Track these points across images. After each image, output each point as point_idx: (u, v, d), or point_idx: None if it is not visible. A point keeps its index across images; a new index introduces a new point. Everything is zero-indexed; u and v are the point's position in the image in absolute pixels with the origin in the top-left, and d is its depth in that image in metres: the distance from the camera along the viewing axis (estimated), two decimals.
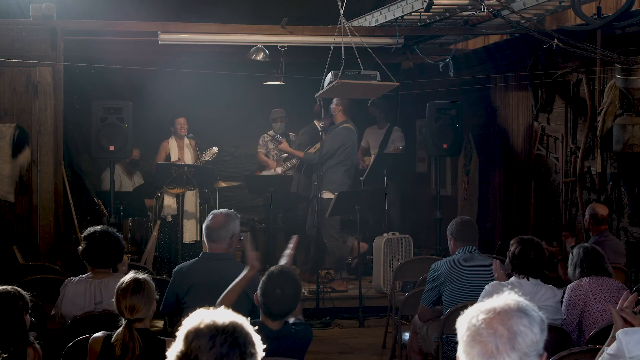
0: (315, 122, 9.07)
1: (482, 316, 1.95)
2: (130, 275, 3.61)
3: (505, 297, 2.00)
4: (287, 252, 4.08)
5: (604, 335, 3.67)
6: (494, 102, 9.17)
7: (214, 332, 1.90)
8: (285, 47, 8.13)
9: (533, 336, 1.93)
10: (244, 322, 1.97)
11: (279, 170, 9.32)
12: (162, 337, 3.60)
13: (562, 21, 7.57)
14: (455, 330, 2.03)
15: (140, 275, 3.61)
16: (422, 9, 6.65)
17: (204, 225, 4.53)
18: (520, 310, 1.96)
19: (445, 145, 8.05)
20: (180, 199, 8.29)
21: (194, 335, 1.91)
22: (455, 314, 3.36)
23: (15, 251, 7.08)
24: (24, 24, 7.41)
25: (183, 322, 1.96)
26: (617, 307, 3.53)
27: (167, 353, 1.96)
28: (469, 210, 9.43)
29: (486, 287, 4.50)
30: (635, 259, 6.76)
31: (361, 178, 8.89)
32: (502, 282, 4.60)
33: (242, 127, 10.66)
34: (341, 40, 6.70)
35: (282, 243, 9.24)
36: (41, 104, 7.31)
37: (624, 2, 5.96)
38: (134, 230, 8.67)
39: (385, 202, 8.68)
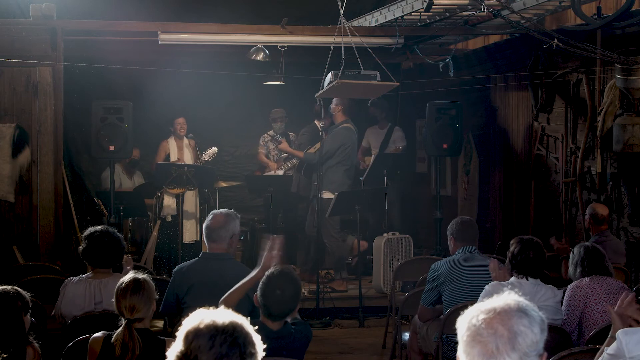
0: (316, 122, 9.07)
1: (482, 316, 1.95)
2: (130, 275, 3.61)
3: (506, 297, 2.00)
4: (273, 253, 4.03)
5: (604, 335, 3.66)
6: (494, 102, 9.17)
7: (214, 332, 1.90)
8: (285, 47, 8.13)
9: (533, 336, 1.93)
10: (244, 322, 1.96)
11: (280, 172, 9.32)
12: (162, 337, 3.60)
13: (562, 21, 7.57)
14: (455, 330, 2.03)
15: (140, 275, 3.61)
16: (422, 9, 6.65)
17: (204, 225, 4.53)
18: (520, 310, 1.96)
19: (445, 145, 8.05)
20: (180, 199, 8.29)
21: (194, 336, 1.91)
22: (455, 314, 3.36)
23: (15, 251, 7.08)
24: (24, 24, 7.41)
25: (183, 322, 1.96)
26: (615, 308, 3.53)
27: (167, 353, 1.96)
28: (469, 210, 9.43)
29: (486, 287, 4.50)
30: (635, 259, 6.76)
31: (361, 178, 8.89)
32: (502, 282, 4.60)
33: (242, 127, 10.66)
34: (341, 40, 6.70)
35: (283, 243, 9.26)
36: (41, 104, 7.31)
37: (624, 2, 5.96)
38: (134, 230, 8.67)
39: (386, 202, 8.68)
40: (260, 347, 1.96)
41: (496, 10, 6.49)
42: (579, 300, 4.52)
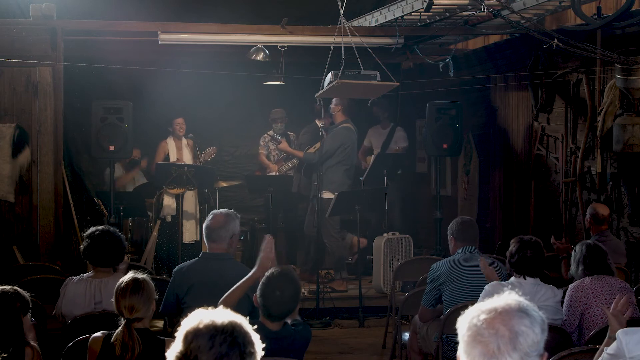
0: (317, 121, 9.07)
1: (483, 316, 1.95)
2: (130, 275, 3.61)
3: (506, 297, 2.00)
4: (270, 256, 4.04)
5: (604, 335, 3.67)
6: (494, 102, 9.17)
7: (213, 332, 1.90)
8: (285, 47, 8.13)
9: (534, 336, 1.93)
10: (243, 321, 1.97)
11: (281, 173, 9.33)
12: (161, 337, 3.60)
13: (562, 21, 7.56)
14: (455, 330, 2.03)
15: (140, 275, 3.61)
16: (422, 9, 6.65)
17: (204, 225, 4.52)
18: (521, 311, 1.95)
19: (445, 145, 8.05)
20: (179, 199, 8.29)
21: (193, 336, 1.91)
22: (456, 314, 3.36)
23: (15, 251, 7.08)
24: (24, 24, 7.41)
25: (182, 323, 1.96)
26: (611, 309, 3.54)
27: (166, 353, 1.96)
28: (469, 210, 9.43)
29: (486, 287, 4.50)
30: (635, 259, 6.75)
31: (361, 178, 8.89)
32: (502, 282, 4.61)
33: (242, 127, 10.66)
34: (341, 40, 6.70)
35: (283, 243, 9.27)
36: (41, 104, 7.31)
37: (624, 2, 5.96)
38: (133, 230, 8.67)
39: (386, 202, 8.68)
40: (259, 346, 1.96)
41: (496, 10, 6.49)
42: (580, 301, 4.51)
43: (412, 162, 10.74)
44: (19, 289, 3.58)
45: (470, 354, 1.94)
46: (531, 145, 8.33)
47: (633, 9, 6.05)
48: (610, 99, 6.80)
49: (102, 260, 4.50)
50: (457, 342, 2.01)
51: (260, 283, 3.63)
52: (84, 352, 3.58)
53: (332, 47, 6.72)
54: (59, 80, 7.38)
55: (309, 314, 7.65)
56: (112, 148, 7.40)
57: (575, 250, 4.76)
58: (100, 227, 4.59)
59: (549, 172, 8.08)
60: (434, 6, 6.60)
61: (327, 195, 8.25)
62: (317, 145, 8.65)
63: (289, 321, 3.70)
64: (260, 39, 8.08)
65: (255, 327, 2.01)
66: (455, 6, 6.98)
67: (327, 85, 6.66)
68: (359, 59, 6.66)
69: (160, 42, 7.78)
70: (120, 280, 3.61)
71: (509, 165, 8.83)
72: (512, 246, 4.60)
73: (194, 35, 7.93)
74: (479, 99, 9.36)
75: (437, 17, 7.43)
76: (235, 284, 3.93)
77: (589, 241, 4.84)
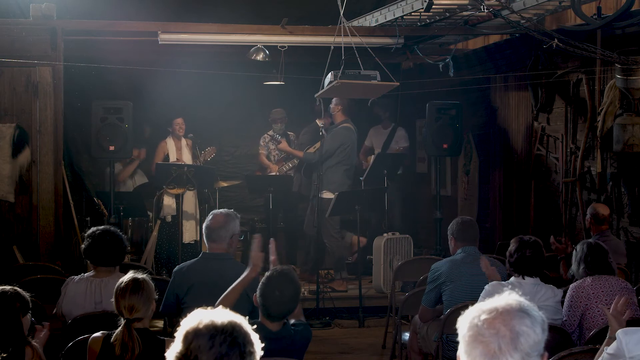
0: (318, 121, 9.08)
1: (484, 316, 1.94)
2: (129, 275, 3.61)
3: (507, 297, 2.00)
4: (272, 258, 4.07)
5: (604, 335, 3.67)
6: (494, 102, 9.17)
7: (213, 332, 1.90)
8: (285, 47, 8.13)
9: (535, 336, 1.93)
10: (242, 321, 1.97)
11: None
12: (161, 337, 3.60)
13: (562, 21, 7.56)
14: (455, 330, 2.02)
15: (139, 275, 3.61)
16: (422, 9, 6.65)
17: (204, 225, 4.53)
18: (522, 311, 1.95)
19: (445, 145, 8.06)
20: (179, 199, 8.29)
21: (193, 336, 1.91)
22: (456, 313, 3.36)
23: (15, 251, 7.08)
24: (24, 24, 7.41)
25: (181, 323, 1.96)
26: (611, 310, 3.54)
27: (166, 354, 1.96)
28: (469, 210, 9.43)
29: (486, 287, 4.50)
30: (635, 259, 6.75)
31: (361, 178, 8.89)
32: (502, 282, 4.60)
33: (242, 127, 10.66)
34: (341, 40, 6.70)
35: (283, 243, 9.27)
36: (41, 104, 7.30)
37: (624, 2, 5.96)
38: (133, 230, 8.67)
39: (386, 202, 8.68)
40: (258, 345, 1.96)
41: (496, 10, 6.49)
42: (581, 302, 4.49)
43: (412, 162, 10.74)
44: (18, 289, 3.58)
45: (470, 354, 1.94)
46: (531, 145, 8.33)
47: (633, 9, 6.05)
48: (610, 99, 6.80)
49: (103, 260, 4.50)
50: (457, 342, 2.00)
51: (260, 283, 3.63)
52: (84, 352, 3.58)
53: (332, 47, 6.72)
54: (59, 80, 7.38)
55: (309, 314, 7.64)
56: (112, 148, 7.40)
57: (576, 250, 4.74)
58: (101, 227, 4.60)
59: (549, 172, 8.08)
60: (434, 6, 6.60)
61: (327, 195, 8.25)
62: (317, 145, 8.65)
63: (292, 321, 3.70)
64: (260, 39, 8.08)
65: (255, 326, 2.02)
66: (455, 6, 6.98)
67: (327, 85, 6.66)
68: (359, 59, 6.66)
69: (160, 42, 7.78)
70: (120, 280, 3.61)
71: (509, 165, 8.83)
72: (512, 246, 4.60)
73: (194, 35, 7.93)
74: (479, 99, 9.36)
75: (437, 17, 7.43)
76: None
77: (590, 240, 4.83)
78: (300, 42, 8.09)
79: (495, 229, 9.02)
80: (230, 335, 1.90)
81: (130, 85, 9.55)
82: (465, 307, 2.07)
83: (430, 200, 10.01)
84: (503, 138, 8.93)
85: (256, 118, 10.17)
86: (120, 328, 3.46)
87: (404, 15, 7.15)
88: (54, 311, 4.51)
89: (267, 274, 3.66)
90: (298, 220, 9.37)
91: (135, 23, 7.86)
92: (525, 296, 2.04)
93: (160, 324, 5.57)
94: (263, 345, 1.98)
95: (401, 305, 5.82)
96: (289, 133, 9.46)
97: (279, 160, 9.42)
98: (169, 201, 8.56)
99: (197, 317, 1.94)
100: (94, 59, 8.43)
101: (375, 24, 7.78)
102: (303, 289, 7.36)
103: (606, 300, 4.40)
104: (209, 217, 4.51)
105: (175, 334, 1.96)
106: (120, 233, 4.61)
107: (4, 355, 3.39)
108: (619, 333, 3.15)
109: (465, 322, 1.98)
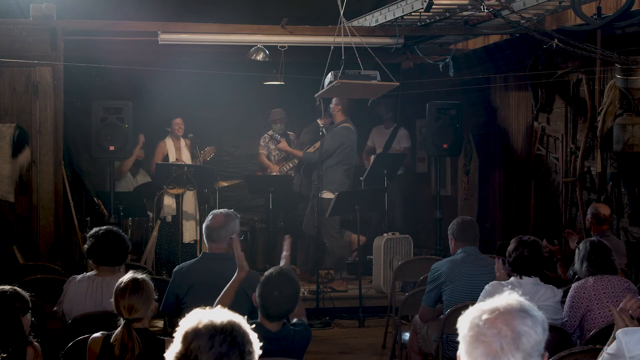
0: (318, 120, 9.08)
1: (485, 316, 1.94)
2: (129, 275, 3.61)
3: (507, 297, 2.00)
4: (284, 254, 4.09)
5: (604, 335, 3.66)
6: (494, 102, 9.17)
7: (213, 332, 1.90)
8: (285, 47, 8.13)
9: (536, 336, 1.93)
10: (242, 321, 1.97)
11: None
12: (161, 337, 3.59)
13: (562, 21, 7.56)
14: (455, 330, 2.02)
15: (139, 275, 3.61)
16: (422, 9, 6.65)
17: (204, 225, 4.53)
18: (523, 311, 1.95)
19: (445, 145, 8.05)
20: (179, 199, 8.29)
21: (193, 336, 1.91)
22: (456, 313, 3.36)
23: (15, 251, 7.08)
24: (24, 24, 7.41)
25: (180, 323, 1.96)
26: (619, 308, 3.52)
27: (165, 354, 1.96)
28: (469, 210, 9.42)
29: (486, 286, 4.50)
30: (635, 259, 6.75)
31: (361, 178, 8.89)
32: (502, 282, 4.60)
33: (242, 127, 10.66)
34: (341, 40, 6.70)
35: (282, 243, 9.25)
36: (41, 104, 7.30)
37: (624, 2, 5.96)
38: (133, 231, 8.66)
39: (386, 202, 8.68)
40: (257, 345, 1.96)
41: (496, 10, 6.49)
42: (582, 303, 4.46)
43: (412, 162, 10.74)
44: (18, 289, 3.58)
45: (471, 354, 1.94)
46: (531, 145, 8.32)
47: (633, 9, 6.04)
48: (610, 99, 6.79)
49: (106, 259, 4.50)
50: (457, 342, 2.00)
51: (260, 283, 3.63)
52: (84, 352, 3.58)
53: (332, 47, 6.72)
54: (59, 80, 7.38)
55: (309, 314, 7.59)
56: (112, 148, 7.40)
57: (579, 248, 4.73)
58: (104, 227, 4.61)
59: (549, 172, 8.07)
60: (434, 6, 6.60)
61: (327, 195, 8.25)
62: (317, 144, 8.65)
63: (293, 320, 3.70)
64: (260, 39, 8.08)
65: (254, 326, 2.02)
66: (455, 6, 6.98)
67: (327, 85, 6.66)
68: (359, 59, 6.66)
69: (160, 42, 7.78)
70: (120, 280, 3.61)
71: (509, 165, 8.83)
72: (511, 245, 4.60)
73: (194, 35, 7.93)
74: (479, 99, 9.36)
75: (437, 17, 7.43)
76: None
77: (592, 238, 4.81)
78: (300, 42, 8.09)
79: (495, 229, 9.02)
80: (229, 335, 1.90)
81: (130, 85, 9.55)
82: (466, 307, 2.07)
83: (430, 200, 10.01)
84: (503, 138, 8.93)
85: (256, 118, 10.17)
86: (119, 328, 3.46)
87: (404, 15, 7.15)
88: (54, 308, 4.51)
89: (266, 273, 3.65)
90: (298, 220, 9.37)
91: (135, 23, 7.86)
92: (524, 296, 2.04)
93: (160, 324, 5.57)
94: (262, 345, 1.98)
95: (401, 305, 5.82)
96: (289, 133, 9.46)
97: (280, 160, 9.42)
98: (169, 201, 8.55)
99: (196, 317, 1.94)
100: (94, 59, 8.42)
101: (375, 24, 7.77)
102: (303, 289, 7.36)
103: (608, 301, 4.36)
104: (209, 217, 4.52)
105: (175, 334, 1.96)
106: (123, 234, 4.62)
107: (4, 355, 3.39)
108: (619, 333, 3.14)
109: (466, 322, 1.97)
